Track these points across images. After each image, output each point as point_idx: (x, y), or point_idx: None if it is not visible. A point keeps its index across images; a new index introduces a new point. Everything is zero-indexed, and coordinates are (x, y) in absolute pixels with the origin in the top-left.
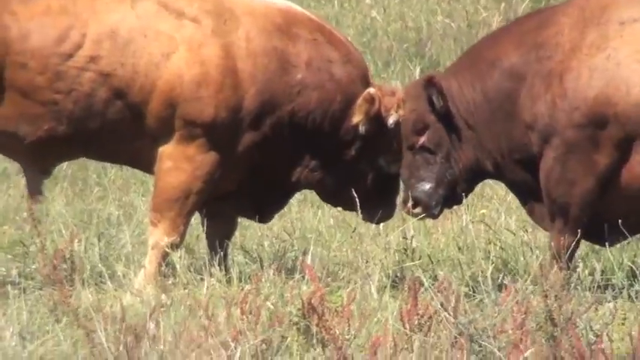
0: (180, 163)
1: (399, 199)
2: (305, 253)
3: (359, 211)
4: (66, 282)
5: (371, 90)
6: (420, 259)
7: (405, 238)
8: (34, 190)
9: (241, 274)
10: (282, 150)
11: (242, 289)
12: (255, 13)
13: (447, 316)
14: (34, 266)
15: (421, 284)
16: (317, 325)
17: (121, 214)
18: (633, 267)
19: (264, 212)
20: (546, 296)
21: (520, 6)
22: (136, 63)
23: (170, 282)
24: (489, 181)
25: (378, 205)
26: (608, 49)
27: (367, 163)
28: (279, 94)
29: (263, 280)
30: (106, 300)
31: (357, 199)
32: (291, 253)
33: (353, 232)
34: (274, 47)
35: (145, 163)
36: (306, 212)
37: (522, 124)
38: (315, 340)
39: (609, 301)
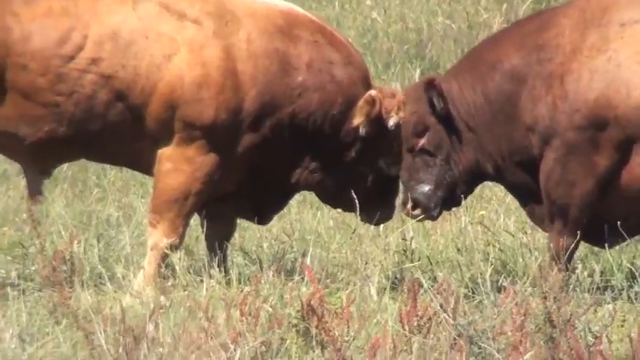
0: (179, 164)
1: (399, 201)
2: (304, 255)
3: (358, 213)
4: (65, 283)
5: (372, 92)
6: (419, 261)
7: (404, 239)
8: (34, 191)
9: (241, 276)
10: (282, 151)
11: (241, 291)
12: (256, 15)
13: (447, 317)
14: (33, 268)
15: (420, 286)
16: (316, 326)
17: (121, 216)
18: (632, 268)
19: (263, 213)
20: (545, 298)
21: (521, 7)
22: (137, 65)
23: (169, 283)
24: (488, 183)
25: (377, 206)
26: (609, 50)
27: (367, 165)
28: (280, 96)
29: (262, 281)
30: (105, 301)
31: (356, 201)
32: (291, 254)
33: (352, 233)
34: (275, 49)
35: (145, 164)
36: (305, 213)
37: (523, 126)
38: (314, 342)
39: (608, 303)
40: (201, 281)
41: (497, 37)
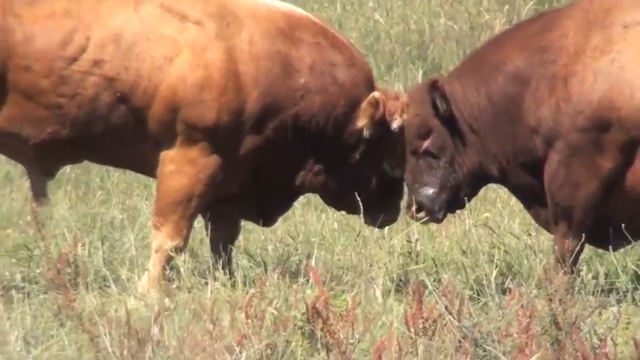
0: (182, 166)
1: (403, 203)
2: (309, 257)
3: (362, 215)
4: (70, 286)
5: (375, 94)
6: (424, 263)
7: (409, 241)
8: (39, 193)
9: (245, 278)
10: (285, 153)
11: (246, 293)
12: (258, 17)
13: (452, 319)
14: (38, 270)
15: (425, 288)
16: (321, 329)
17: (125, 218)
18: (637, 271)
19: (268, 216)
20: (551, 300)
21: (523, 8)
22: (139, 67)
23: (174, 286)
24: (492, 185)
25: (381, 208)
26: (612, 52)
27: (371, 167)
28: (282, 98)
29: (267, 284)
30: (110, 304)
31: (360, 203)
32: (295, 256)
33: (357, 235)
34: (277, 51)
35: (148, 166)
36: (309, 216)
37: (527, 127)
38: (319, 345)
39: (613, 305)
40: (206, 283)
41: (500, 38)
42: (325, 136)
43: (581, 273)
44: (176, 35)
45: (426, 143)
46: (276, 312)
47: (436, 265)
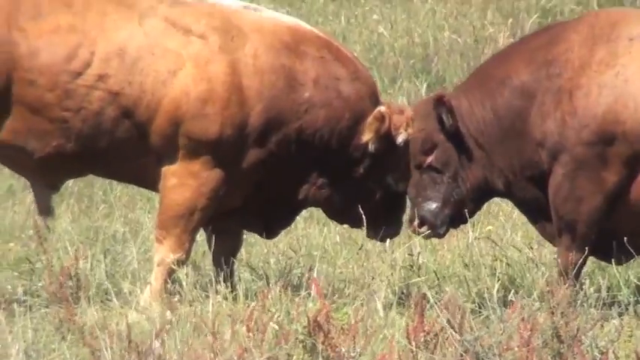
0: (185, 179)
1: (406, 217)
2: (311, 270)
3: (365, 229)
4: (72, 299)
5: (381, 108)
6: (426, 276)
7: (411, 254)
8: (43, 207)
9: (247, 291)
10: (289, 167)
11: (248, 306)
12: (263, 30)
13: (453, 333)
14: (39, 284)
15: (427, 301)
16: (323, 342)
17: (127, 231)
18: (639, 284)
19: (271, 229)
20: (552, 313)
21: (527, 22)
22: (143, 81)
23: (176, 299)
24: (496, 198)
25: (384, 222)
26: (617, 65)
27: (375, 181)
28: (286, 112)
29: (269, 297)
30: (111, 317)
31: (364, 217)
32: (297, 270)
33: (359, 249)
34: (282, 65)
35: (150, 180)
36: (312, 229)
37: (533, 141)
38: (320, 358)
39: (615, 318)
40: (208, 297)
41: (505, 52)
42: (329, 149)
43: (584, 286)
44: (180, 49)
45: (430, 158)
46: (277, 326)
47: (438, 278)
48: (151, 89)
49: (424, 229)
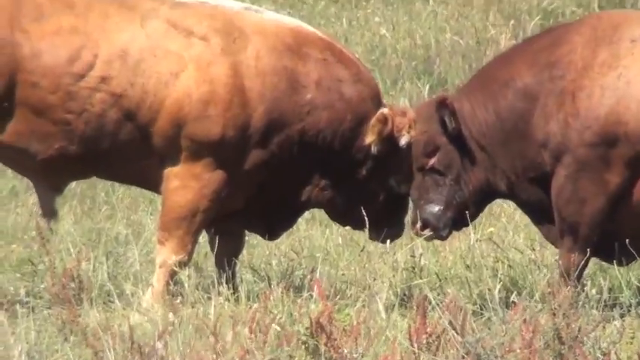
0: (187, 181)
1: (408, 219)
2: (313, 272)
3: (368, 231)
4: (74, 301)
5: (384, 110)
6: (427, 278)
7: (413, 256)
8: (47, 210)
9: (249, 293)
10: (291, 169)
11: (250, 308)
12: (265, 32)
13: (455, 335)
14: (42, 285)
15: (429, 303)
16: (325, 344)
17: (130, 233)
18: None
19: (273, 230)
20: (554, 314)
21: (529, 23)
22: (145, 83)
23: (178, 300)
24: (497, 200)
25: (386, 224)
26: (619, 67)
27: (378, 183)
28: (289, 114)
29: (271, 298)
30: (114, 319)
31: (366, 219)
32: (299, 271)
33: (361, 250)
34: (284, 66)
35: (153, 182)
36: (314, 231)
37: (535, 143)
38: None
39: (616, 320)
40: (210, 298)
41: (508, 55)
42: (332, 151)
43: (585, 288)
44: (182, 51)
45: (433, 160)
46: (279, 328)
47: (440, 280)
48: (153, 91)
49: (427, 231)
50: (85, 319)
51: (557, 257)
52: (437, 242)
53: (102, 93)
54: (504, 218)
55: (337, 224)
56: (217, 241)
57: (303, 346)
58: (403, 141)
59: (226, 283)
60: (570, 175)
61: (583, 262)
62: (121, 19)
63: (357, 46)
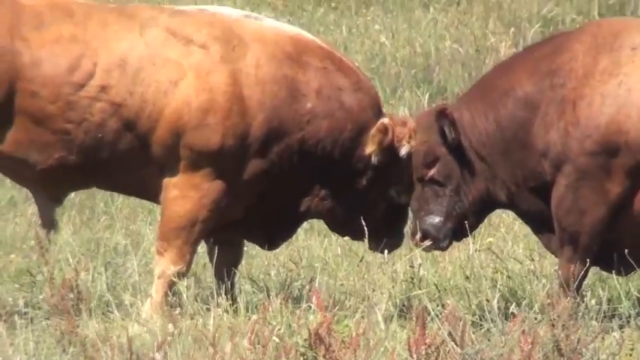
0: (186, 191)
1: (407, 229)
2: (312, 282)
3: (367, 241)
4: (73, 312)
5: (384, 120)
6: (427, 288)
7: (412, 266)
8: (47, 221)
9: (248, 304)
10: (291, 178)
11: (249, 319)
12: (265, 40)
13: (454, 346)
14: (41, 296)
15: (428, 313)
16: (324, 355)
17: (129, 243)
18: None
19: (273, 240)
20: (553, 326)
21: (529, 31)
22: (144, 91)
23: (177, 311)
24: (496, 210)
25: (386, 234)
26: (620, 75)
27: (378, 193)
28: (288, 122)
29: (270, 309)
30: (112, 330)
31: (366, 229)
32: (298, 282)
33: (360, 261)
34: (284, 75)
35: (152, 192)
36: (312, 241)
37: (536, 152)
38: None
39: (616, 331)
40: (209, 309)
41: (508, 63)
42: (332, 160)
43: (585, 298)
44: (181, 59)
45: (433, 171)
46: (278, 339)
47: (439, 291)
48: (153, 99)
49: (426, 242)
50: (84, 329)
51: (556, 267)
52: (436, 253)
53: (101, 102)
54: (503, 228)
55: (336, 234)
56: (216, 252)
57: (302, 358)
58: (403, 151)
59: (225, 294)
60: (571, 184)
61: (583, 273)
62: (121, 28)
63: (356, 54)
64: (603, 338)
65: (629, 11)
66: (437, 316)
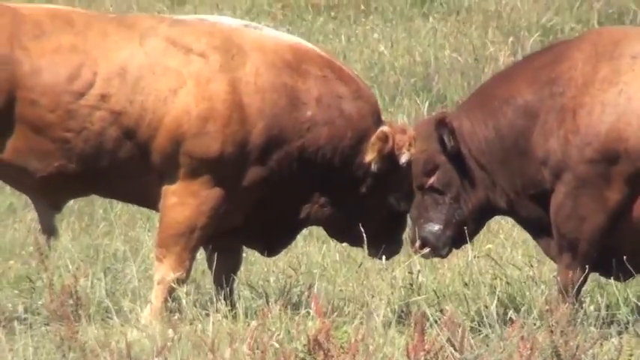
0: (185, 198)
1: (407, 235)
2: (310, 288)
3: (366, 248)
4: (72, 317)
5: (384, 128)
6: (425, 295)
7: (410, 273)
8: (47, 228)
9: (247, 310)
10: (291, 186)
11: (248, 325)
12: (264, 49)
13: (453, 352)
14: (40, 302)
15: (427, 319)
16: None
17: (128, 249)
18: (638, 303)
19: (272, 247)
20: (552, 332)
21: (528, 40)
22: (144, 100)
23: (176, 317)
24: (496, 217)
25: (385, 241)
26: (620, 83)
27: (378, 201)
28: (288, 130)
29: (269, 315)
30: (112, 335)
31: (365, 236)
32: (297, 288)
33: (359, 267)
34: (283, 83)
35: (152, 199)
36: (311, 247)
37: (536, 160)
38: None
39: (614, 337)
40: (208, 315)
41: (508, 72)
42: (332, 168)
43: (584, 305)
44: (180, 68)
45: (432, 179)
46: (277, 345)
47: (438, 297)
48: (152, 108)
49: (426, 250)
50: (83, 335)
51: (555, 274)
52: (435, 259)
53: (101, 111)
54: (502, 235)
55: (335, 241)
56: (215, 258)
57: None
58: (403, 159)
59: (224, 299)
60: (570, 191)
61: (582, 279)
62: (120, 38)
63: (355, 63)
64: (602, 344)
65: (628, 20)
66: (436, 322)
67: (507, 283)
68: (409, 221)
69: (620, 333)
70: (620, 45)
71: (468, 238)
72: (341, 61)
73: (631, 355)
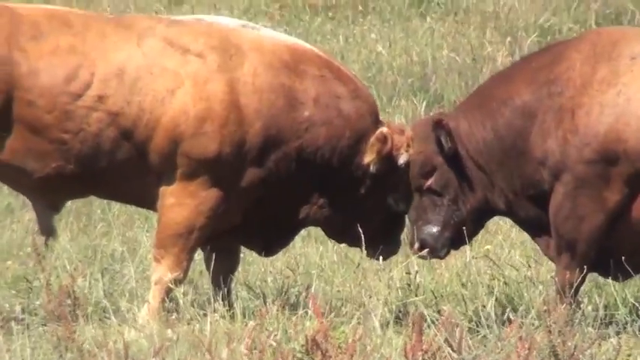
0: (183, 198)
1: (405, 236)
2: (308, 289)
3: (364, 248)
4: (70, 318)
5: (383, 129)
6: (423, 295)
7: (408, 273)
8: (45, 228)
9: (245, 310)
10: (289, 186)
11: (245, 325)
12: (262, 49)
13: (451, 352)
14: (37, 302)
15: (425, 320)
16: None
17: (125, 250)
18: (636, 303)
19: (270, 247)
20: (550, 332)
21: (526, 41)
22: (142, 100)
23: (173, 317)
24: (494, 217)
25: (383, 241)
26: (619, 84)
27: (376, 201)
28: (286, 131)
29: (267, 316)
30: (109, 335)
31: (363, 237)
32: (295, 288)
33: (356, 267)
34: (281, 83)
35: (150, 200)
36: (309, 248)
37: (534, 160)
38: None
39: (612, 337)
40: (205, 315)
41: (506, 72)
42: (330, 168)
43: (581, 305)
44: (178, 68)
45: (430, 181)
46: (274, 345)
47: (435, 297)
48: (150, 108)
49: (424, 252)
50: (81, 335)
51: (553, 274)
52: (433, 260)
53: (99, 112)
54: (500, 235)
55: (333, 241)
56: (213, 259)
57: None
58: (402, 160)
59: (222, 300)
60: (569, 192)
61: (580, 279)
62: (118, 38)
63: (353, 63)
64: (600, 345)
65: (626, 20)
66: (433, 322)
67: (505, 283)
68: (407, 222)
69: (618, 333)
70: (618, 46)
71: (466, 239)
72: (339, 61)
73: (629, 356)
